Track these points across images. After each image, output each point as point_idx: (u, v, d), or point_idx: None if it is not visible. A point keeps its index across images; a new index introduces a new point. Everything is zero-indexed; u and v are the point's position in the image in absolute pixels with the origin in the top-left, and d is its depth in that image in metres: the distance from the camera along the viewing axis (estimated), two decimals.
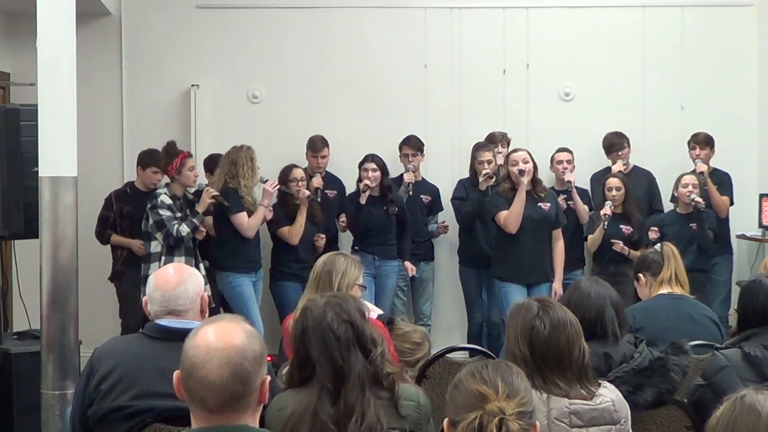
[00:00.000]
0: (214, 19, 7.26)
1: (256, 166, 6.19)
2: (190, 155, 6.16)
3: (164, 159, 6.13)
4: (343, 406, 2.59)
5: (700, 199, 6.25)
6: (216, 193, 6.05)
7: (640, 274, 4.46)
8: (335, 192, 6.88)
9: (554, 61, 7.30)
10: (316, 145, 6.83)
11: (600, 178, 6.77)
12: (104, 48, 7.16)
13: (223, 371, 1.99)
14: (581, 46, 7.31)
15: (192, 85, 7.14)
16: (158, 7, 7.26)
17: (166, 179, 6.26)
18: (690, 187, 6.32)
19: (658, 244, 4.49)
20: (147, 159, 6.45)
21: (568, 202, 6.59)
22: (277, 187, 6.24)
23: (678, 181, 6.45)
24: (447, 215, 7.03)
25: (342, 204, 6.84)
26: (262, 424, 2.19)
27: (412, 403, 2.74)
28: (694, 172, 6.57)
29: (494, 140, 6.77)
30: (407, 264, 6.65)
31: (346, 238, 6.85)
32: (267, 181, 6.21)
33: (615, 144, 6.88)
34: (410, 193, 6.71)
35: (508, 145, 6.82)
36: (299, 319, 2.77)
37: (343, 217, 6.71)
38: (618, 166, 6.77)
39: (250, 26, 7.27)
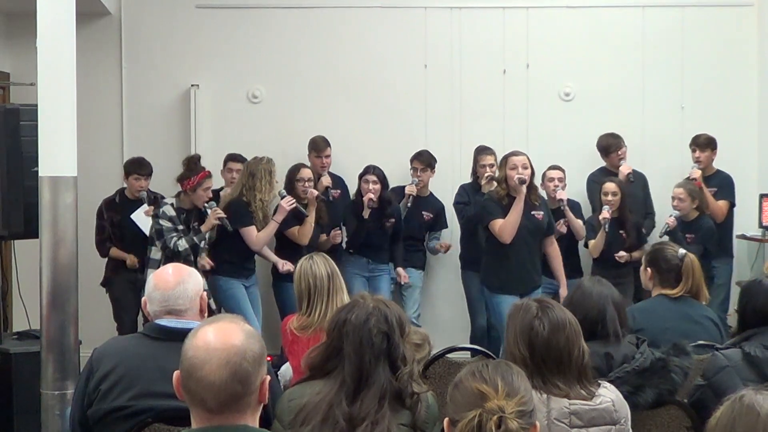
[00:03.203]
0: (214, 19, 7.26)
1: (274, 180, 6.15)
2: (210, 176, 6.09)
3: (184, 171, 6.10)
4: (359, 408, 2.61)
5: (671, 220, 6.24)
6: (222, 214, 5.99)
7: (649, 268, 4.38)
8: (339, 191, 6.88)
9: (554, 61, 7.30)
10: (320, 145, 6.82)
11: (597, 178, 6.74)
12: (104, 48, 7.17)
13: (222, 371, 1.98)
14: (581, 46, 7.31)
15: (192, 85, 7.14)
16: (158, 7, 7.26)
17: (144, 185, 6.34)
18: (676, 201, 6.32)
19: (681, 250, 4.31)
20: (129, 167, 6.46)
21: (561, 219, 6.54)
22: (293, 205, 6.18)
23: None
24: (449, 218, 7.01)
25: (345, 206, 6.83)
26: (262, 423, 2.18)
27: (422, 403, 2.74)
28: (687, 179, 6.55)
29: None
30: (400, 270, 6.63)
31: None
32: (285, 197, 6.17)
33: (612, 145, 6.83)
34: (409, 205, 6.69)
35: None
36: (344, 310, 2.81)
37: (336, 230, 6.64)
38: (626, 168, 6.72)
39: (250, 26, 7.27)
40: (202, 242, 6.00)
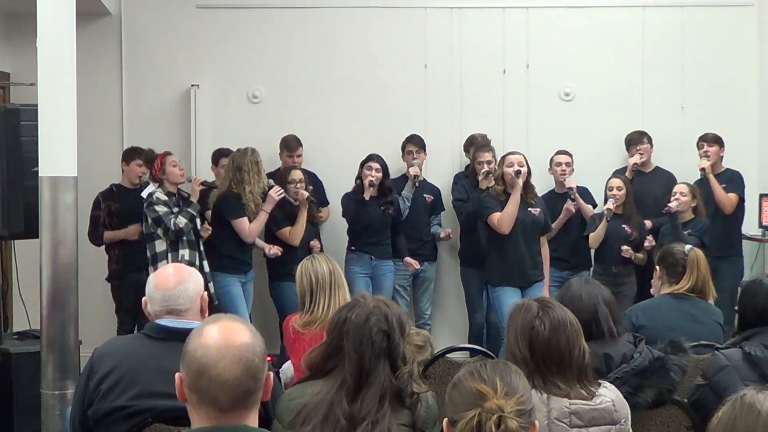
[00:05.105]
0: (214, 19, 7.26)
1: (262, 171, 6.21)
2: (168, 153, 6.13)
3: (147, 168, 6.16)
4: (359, 407, 2.61)
5: (671, 205, 6.22)
6: (204, 179, 6.15)
7: (658, 267, 4.41)
8: (311, 188, 6.83)
9: (554, 61, 7.30)
10: (291, 145, 6.86)
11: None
12: (104, 48, 7.17)
13: (236, 368, 1.99)
14: (581, 46, 7.31)
15: (192, 85, 7.14)
16: (158, 7, 7.26)
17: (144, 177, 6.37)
18: (678, 195, 6.30)
19: (688, 246, 4.39)
20: (131, 154, 6.50)
21: (572, 203, 6.57)
22: (282, 195, 6.21)
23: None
24: (448, 216, 7.02)
25: (322, 199, 6.86)
26: (262, 423, 2.18)
27: (422, 403, 2.74)
28: (701, 177, 6.54)
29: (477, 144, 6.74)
30: (408, 259, 6.59)
31: (344, 239, 6.81)
32: (273, 187, 6.20)
33: (633, 139, 6.89)
34: (417, 184, 6.71)
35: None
36: (344, 309, 2.82)
37: (315, 242, 6.61)
38: (635, 159, 6.76)
39: (250, 26, 7.27)
40: (197, 210, 6.04)
